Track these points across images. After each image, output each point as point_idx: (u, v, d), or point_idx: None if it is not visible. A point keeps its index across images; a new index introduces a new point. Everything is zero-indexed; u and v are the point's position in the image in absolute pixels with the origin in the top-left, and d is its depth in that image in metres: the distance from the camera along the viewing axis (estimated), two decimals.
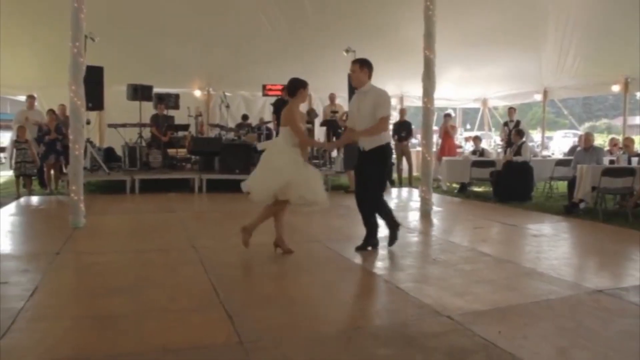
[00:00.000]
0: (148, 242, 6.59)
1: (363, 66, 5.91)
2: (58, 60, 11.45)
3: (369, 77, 5.95)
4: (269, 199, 5.75)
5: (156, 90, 13.97)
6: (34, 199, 10.60)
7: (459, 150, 16.49)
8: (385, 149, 5.99)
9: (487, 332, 3.56)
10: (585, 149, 10.33)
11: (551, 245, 6.63)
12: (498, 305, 4.17)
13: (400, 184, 13.96)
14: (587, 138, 10.56)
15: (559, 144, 32.08)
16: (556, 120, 40.49)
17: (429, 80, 8.68)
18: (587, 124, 44.80)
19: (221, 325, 3.66)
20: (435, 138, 13.25)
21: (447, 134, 14.98)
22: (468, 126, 36.52)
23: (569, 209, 9.26)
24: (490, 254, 6.02)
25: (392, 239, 6.28)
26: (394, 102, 18.98)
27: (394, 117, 19.37)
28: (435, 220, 8.45)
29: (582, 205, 9.36)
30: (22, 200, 10.38)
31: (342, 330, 3.63)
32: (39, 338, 3.40)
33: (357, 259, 5.72)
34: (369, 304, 4.18)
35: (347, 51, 13.33)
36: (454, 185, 13.12)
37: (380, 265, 5.44)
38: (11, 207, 9.39)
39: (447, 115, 15.66)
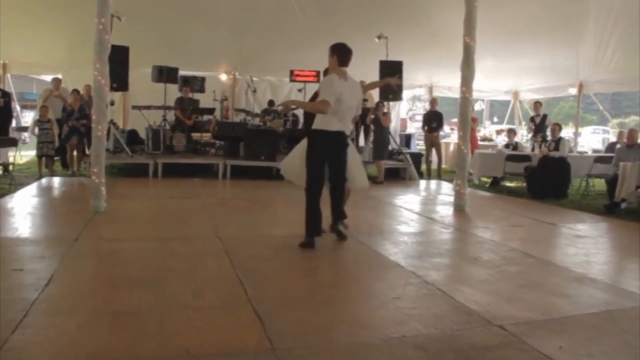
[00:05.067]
0: (171, 229, 6.29)
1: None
2: (85, 41, 11.11)
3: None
4: None
5: (182, 72, 13.72)
6: (56, 180, 10.37)
7: (489, 143, 16.00)
8: None
9: (546, 347, 3.19)
10: (629, 146, 9.82)
11: (598, 248, 6.21)
12: (552, 315, 3.78)
13: (429, 176, 13.53)
14: (630, 134, 10.05)
15: (587, 140, 31.37)
16: (583, 116, 39.55)
17: (468, 69, 8.22)
18: (615, 121, 43.73)
19: (250, 328, 3.33)
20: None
21: None
22: (495, 119, 35.88)
23: (610, 209, 8.80)
24: (534, 255, 5.61)
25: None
26: (423, 91, 18.59)
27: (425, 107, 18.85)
28: (470, 215, 8.04)
29: (623, 205, 8.90)
30: (44, 181, 10.16)
31: (384, 339, 3.26)
32: (52, 336, 3.09)
33: (392, 255, 5.35)
34: (411, 307, 3.80)
35: (379, 37, 12.92)
36: (483, 179, 12.63)
37: (417, 263, 5.07)
38: (32, 188, 9.18)
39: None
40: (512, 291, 4.33)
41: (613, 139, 33.78)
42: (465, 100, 8.31)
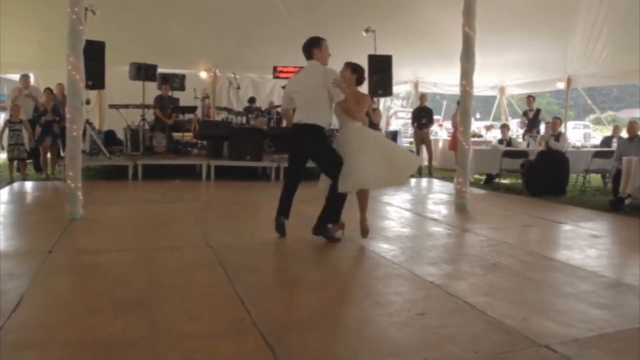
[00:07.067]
0: (156, 238, 5.70)
1: None
2: (57, 37, 10.54)
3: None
4: None
5: (161, 70, 13.09)
6: (28, 185, 9.70)
7: (479, 139, 15.58)
8: None
9: None
10: (630, 139, 9.48)
11: (619, 249, 5.87)
12: (602, 331, 3.31)
13: (420, 174, 13.07)
14: (630, 127, 9.68)
15: (570, 135, 31.27)
16: (560, 112, 39.42)
17: (468, 60, 7.79)
18: (592, 116, 43.78)
19: (260, 358, 2.81)
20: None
21: None
22: (478, 115, 35.57)
23: (615, 204, 8.42)
24: (556, 258, 5.16)
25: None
26: (409, 87, 18.16)
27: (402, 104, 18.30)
28: (473, 215, 7.58)
29: (627, 201, 8.52)
30: (15, 185, 9.50)
31: None
32: None
33: (403, 262, 4.85)
34: (440, 326, 3.30)
35: (367, 31, 12.44)
36: (476, 176, 12.19)
37: (433, 271, 4.57)
38: (2, 194, 8.51)
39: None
40: (546, 302, 3.86)
41: (594, 134, 33.77)
42: (466, 93, 7.86)
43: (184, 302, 3.62)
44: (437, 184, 11.73)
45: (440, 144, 16.07)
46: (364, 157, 5.34)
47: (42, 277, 4.15)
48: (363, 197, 5.58)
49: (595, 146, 14.94)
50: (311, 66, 5.63)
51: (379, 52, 12.37)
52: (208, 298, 3.76)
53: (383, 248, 5.38)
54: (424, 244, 5.71)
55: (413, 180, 12.10)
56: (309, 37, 5.71)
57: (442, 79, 17.31)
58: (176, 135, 12.81)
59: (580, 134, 33.42)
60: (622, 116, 42.74)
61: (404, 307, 3.68)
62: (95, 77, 10.14)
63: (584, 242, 5.91)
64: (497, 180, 11.72)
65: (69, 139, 6.46)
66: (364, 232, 5.62)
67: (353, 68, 5.68)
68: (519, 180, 11.00)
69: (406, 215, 7.54)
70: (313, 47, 5.60)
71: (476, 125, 22.76)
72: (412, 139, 15.97)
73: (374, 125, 11.47)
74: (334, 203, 5.51)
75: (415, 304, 3.75)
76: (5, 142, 10.29)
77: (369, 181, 5.42)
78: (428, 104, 14.30)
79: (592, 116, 42.99)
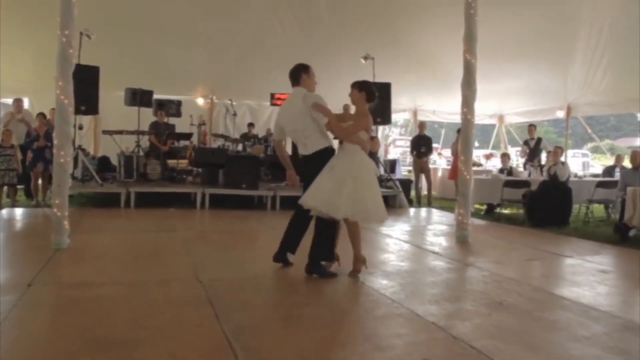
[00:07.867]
0: (144, 270, 5.42)
1: None
2: (54, 62, 10.45)
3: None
4: None
5: (156, 96, 12.93)
6: (17, 212, 9.44)
7: (479, 168, 15.38)
8: None
9: None
10: (635, 169, 9.29)
11: (630, 285, 5.58)
12: None
13: (419, 204, 12.84)
14: (635, 156, 9.49)
15: (569, 163, 31.07)
16: (558, 140, 39.35)
17: (470, 87, 7.63)
18: (589, 144, 43.71)
19: None
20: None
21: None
22: (476, 144, 35.52)
23: (620, 230, 8.21)
24: (565, 296, 4.89)
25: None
26: (408, 115, 18.00)
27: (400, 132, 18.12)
28: (475, 248, 7.33)
29: (631, 233, 8.29)
30: (4, 212, 9.23)
31: None
32: None
33: (403, 299, 4.57)
34: None
35: (366, 58, 12.33)
36: (477, 206, 11.94)
37: (435, 310, 4.30)
38: None
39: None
40: (559, 346, 3.59)
41: (593, 163, 33.61)
42: (467, 121, 7.67)
43: (168, 344, 3.34)
44: (436, 214, 11.49)
45: (440, 173, 15.90)
46: (327, 180, 5.06)
47: (17, 313, 3.87)
48: (350, 229, 5.26)
49: (596, 175, 14.72)
50: (293, 94, 5.50)
51: (378, 80, 12.18)
52: (194, 339, 3.48)
53: (382, 284, 5.11)
54: (424, 279, 5.44)
55: (412, 210, 11.87)
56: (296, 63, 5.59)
57: (441, 107, 17.22)
58: (171, 162, 12.59)
59: (579, 163, 33.36)
60: (619, 144, 42.65)
61: (405, 352, 3.40)
62: (89, 102, 10.00)
63: (592, 278, 5.64)
64: (498, 210, 11.48)
65: (56, 166, 6.22)
66: (354, 270, 5.32)
67: (359, 87, 5.33)
68: (521, 211, 10.77)
69: (405, 248, 7.29)
70: (302, 71, 5.48)
71: (475, 154, 22.63)
72: (410, 168, 15.81)
73: (371, 154, 11.34)
74: (322, 234, 5.24)
75: (417, 348, 3.48)
76: None
77: (317, 203, 5.05)
78: (427, 132, 14.16)
79: (590, 145, 42.88)
